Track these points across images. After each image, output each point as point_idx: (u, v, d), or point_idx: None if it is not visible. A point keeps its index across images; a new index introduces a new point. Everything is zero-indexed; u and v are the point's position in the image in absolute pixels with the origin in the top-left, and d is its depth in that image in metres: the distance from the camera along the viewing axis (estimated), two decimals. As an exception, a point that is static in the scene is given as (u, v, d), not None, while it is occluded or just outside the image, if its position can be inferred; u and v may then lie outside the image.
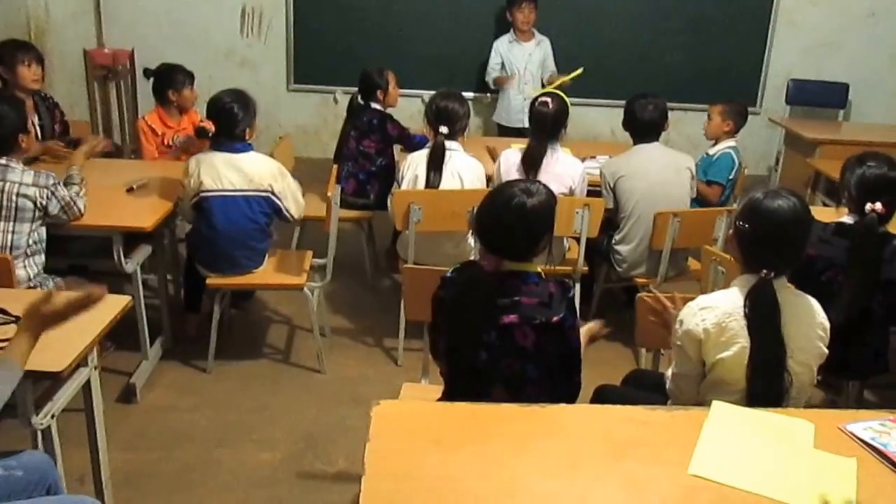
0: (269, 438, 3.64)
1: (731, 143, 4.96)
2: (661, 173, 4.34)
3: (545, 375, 2.52)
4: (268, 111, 7.14)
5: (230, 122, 3.90)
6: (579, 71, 5.97)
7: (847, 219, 3.23)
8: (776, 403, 2.39)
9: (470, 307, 2.46)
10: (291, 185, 4.10)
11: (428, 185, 4.21)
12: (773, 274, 2.39)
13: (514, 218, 2.46)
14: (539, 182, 2.64)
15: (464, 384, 2.52)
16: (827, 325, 2.50)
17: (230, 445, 3.57)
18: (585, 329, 2.79)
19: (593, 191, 4.46)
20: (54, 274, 3.60)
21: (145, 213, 3.82)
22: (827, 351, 2.49)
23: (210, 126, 3.94)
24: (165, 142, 4.91)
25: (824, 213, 3.56)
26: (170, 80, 4.88)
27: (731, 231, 2.54)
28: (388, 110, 5.21)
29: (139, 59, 6.82)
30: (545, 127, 4.19)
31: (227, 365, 4.21)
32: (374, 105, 5.14)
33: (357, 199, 5.11)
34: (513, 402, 2.33)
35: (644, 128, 4.40)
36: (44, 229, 3.50)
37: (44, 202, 3.41)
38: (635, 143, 4.46)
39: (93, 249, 3.87)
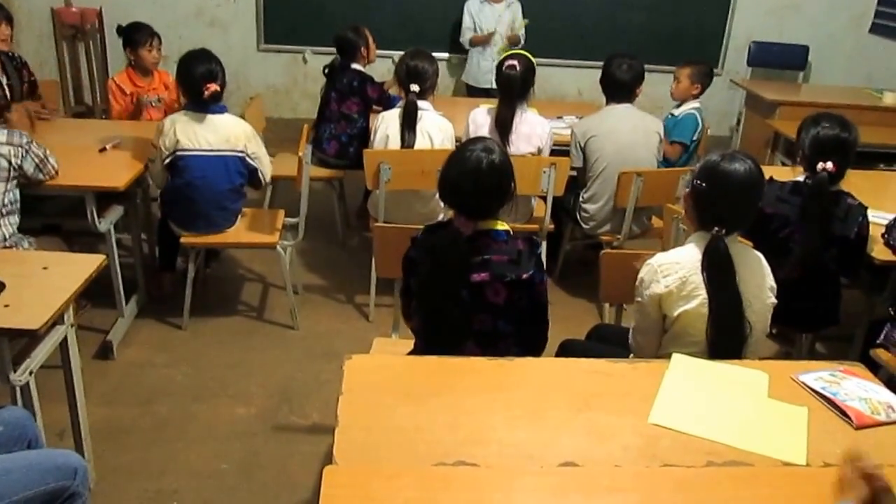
0: (245, 393, 3.69)
1: (695, 104, 5.02)
2: (630, 135, 4.39)
3: (516, 330, 2.59)
4: (238, 71, 7.11)
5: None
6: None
7: (803, 177, 3.33)
8: (736, 354, 2.48)
9: (444, 267, 2.50)
10: (263, 148, 4.12)
11: (403, 144, 4.22)
12: (724, 231, 2.47)
13: (484, 176, 2.48)
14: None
15: (436, 341, 2.56)
16: (772, 277, 2.59)
17: (206, 400, 3.63)
18: None
19: (559, 150, 4.50)
20: (28, 234, 3.59)
21: (118, 173, 3.81)
22: (776, 300, 2.58)
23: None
24: (135, 101, 4.87)
25: (782, 173, 3.65)
26: (128, 38, 4.83)
27: (687, 190, 2.59)
28: (367, 68, 5.19)
29: (108, 18, 6.69)
30: (514, 89, 4.21)
31: (202, 322, 4.25)
32: (354, 65, 5.11)
33: (339, 161, 5.12)
34: (484, 356, 2.38)
35: (617, 87, 4.44)
36: (18, 190, 3.48)
37: (18, 161, 3.38)
38: (608, 102, 4.51)
39: (66, 209, 3.87)
